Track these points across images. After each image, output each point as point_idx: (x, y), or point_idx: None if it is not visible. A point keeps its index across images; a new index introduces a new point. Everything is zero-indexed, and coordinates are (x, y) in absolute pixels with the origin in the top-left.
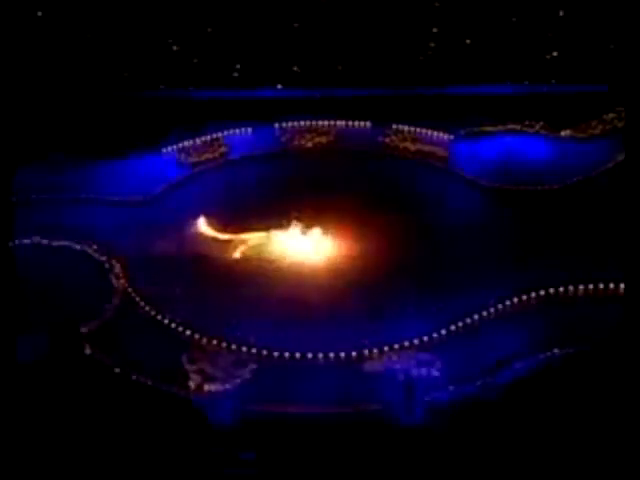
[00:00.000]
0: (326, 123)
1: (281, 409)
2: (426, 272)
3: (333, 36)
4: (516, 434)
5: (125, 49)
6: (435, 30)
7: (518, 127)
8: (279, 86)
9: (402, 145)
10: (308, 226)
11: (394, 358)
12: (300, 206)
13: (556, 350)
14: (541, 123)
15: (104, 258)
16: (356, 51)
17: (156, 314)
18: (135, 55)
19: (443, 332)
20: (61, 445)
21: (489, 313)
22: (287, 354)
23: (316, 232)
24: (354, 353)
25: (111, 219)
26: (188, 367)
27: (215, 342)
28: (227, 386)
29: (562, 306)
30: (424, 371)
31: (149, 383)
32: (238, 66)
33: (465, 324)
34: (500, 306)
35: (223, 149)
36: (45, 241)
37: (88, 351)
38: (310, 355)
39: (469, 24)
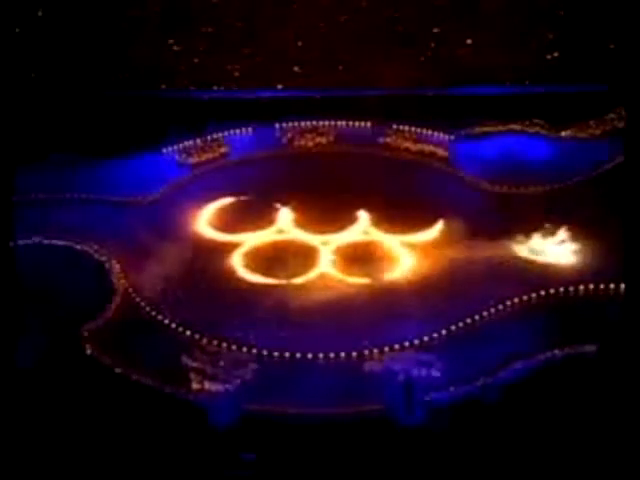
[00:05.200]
0: (326, 123)
1: (281, 409)
2: None
3: (333, 36)
4: (516, 434)
5: (125, 49)
6: (435, 30)
7: (518, 127)
8: (279, 86)
9: (402, 145)
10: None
11: (394, 358)
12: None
13: (556, 350)
14: (541, 123)
15: (104, 258)
16: (356, 51)
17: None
18: (135, 55)
19: (443, 332)
20: (62, 445)
21: (489, 313)
22: (287, 354)
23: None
24: (354, 353)
25: (111, 219)
26: (188, 367)
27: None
28: (227, 386)
29: (562, 306)
30: (424, 371)
31: (149, 383)
32: (238, 66)
33: (465, 324)
34: (500, 306)
35: (223, 149)
36: (45, 241)
37: (88, 351)
38: (310, 355)
39: (469, 24)
